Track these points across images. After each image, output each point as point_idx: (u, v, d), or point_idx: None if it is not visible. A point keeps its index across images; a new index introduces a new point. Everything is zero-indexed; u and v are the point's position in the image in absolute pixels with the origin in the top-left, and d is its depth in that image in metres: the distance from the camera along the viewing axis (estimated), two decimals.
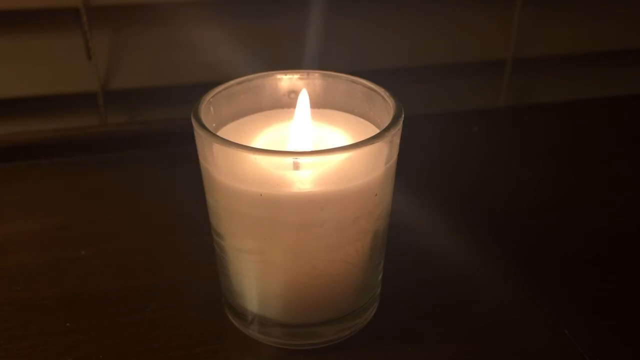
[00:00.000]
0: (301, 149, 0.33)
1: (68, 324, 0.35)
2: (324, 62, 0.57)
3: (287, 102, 0.36)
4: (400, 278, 0.38)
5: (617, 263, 0.41)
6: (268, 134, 0.34)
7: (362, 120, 0.35)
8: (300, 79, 0.36)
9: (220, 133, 0.33)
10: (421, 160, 0.51)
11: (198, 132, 0.30)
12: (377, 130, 0.32)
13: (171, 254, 0.40)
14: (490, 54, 0.62)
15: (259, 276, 0.32)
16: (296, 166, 0.29)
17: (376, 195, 0.31)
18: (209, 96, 0.33)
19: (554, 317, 0.36)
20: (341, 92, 0.36)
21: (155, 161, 0.51)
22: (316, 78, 0.36)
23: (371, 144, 0.29)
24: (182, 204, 0.45)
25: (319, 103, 0.36)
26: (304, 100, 0.34)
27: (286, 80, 0.36)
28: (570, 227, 0.45)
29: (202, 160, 0.31)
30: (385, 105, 0.33)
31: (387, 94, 0.33)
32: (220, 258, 0.34)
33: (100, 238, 0.42)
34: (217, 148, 0.29)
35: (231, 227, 0.32)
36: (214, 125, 0.33)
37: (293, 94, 0.35)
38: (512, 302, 0.37)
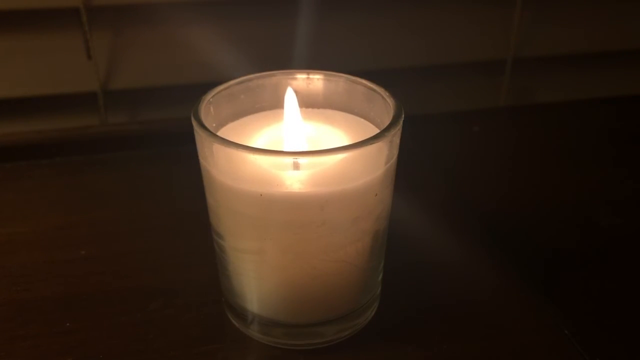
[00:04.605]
0: (301, 149, 0.33)
1: (68, 324, 0.35)
2: (324, 62, 0.57)
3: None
4: (401, 278, 0.38)
5: (616, 263, 0.41)
6: (268, 134, 0.34)
7: (362, 120, 0.35)
8: (300, 79, 0.36)
9: (220, 133, 0.33)
10: (421, 160, 0.51)
11: (198, 132, 0.30)
12: (377, 130, 0.32)
13: (171, 254, 0.40)
14: (490, 54, 0.62)
15: (259, 276, 0.32)
16: (296, 166, 0.29)
17: (376, 195, 0.31)
18: (209, 96, 0.33)
19: (554, 317, 0.36)
20: (341, 92, 0.36)
21: (155, 161, 0.51)
22: (316, 78, 0.36)
23: (371, 144, 0.29)
24: (182, 204, 0.45)
25: (319, 103, 0.36)
26: (291, 98, 0.34)
27: (286, 80, 0.35)
28: (571, 226, 0.45)
29: (202, 160, 0.31)
30: (385, 105, 0.33)
31: (387, 94, 0.33)
32: (220, 258, 0.34)
33: (100, 238, 0.42)
34: (217, 148, 0.29)
35: (231, 227, 0.32)
36: (214, 125, 0.33)
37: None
38: (512, 302, 0.37)
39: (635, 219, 0.46)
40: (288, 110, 0.33)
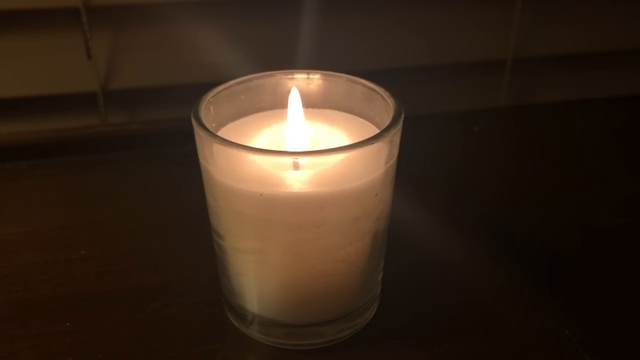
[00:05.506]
0: (301, 149, 0.33)
1: (68, 324, 0.35)
2: (323, 62, 0.57)
3: (287, 102, 0.36)
4: (401, 278, 0.38)
5: (616, 263, 0.41)
6: (268, 134, 0.34)
7: (361, 120, 0.35)
8: (300, 79, 0.36)
9: (220, 133, 0.33)
10: (421, 160, 0.51)
11: (198, 132, 0.30)
12: (377, 130, 0.32)
13: (171, 254, 0.40)
14: (490, 54, 0.62)
15: (258, 276, 0.32)
16: (296, 166, 0.29)
17: (376, 195, 0.31)
18: (209, 96, 0.33)
19: (554, 317, 0.36)
20: (341, 92, 0.36)
21: (155, 161, 0.51)
22: (316, 78, 0.36)
23: (371, 144, 0.29)
24: (182, 203, 0.45)
25: (319, 103, 0.36)
26: (295, 98, 0.34)
27: (286, 80, 0.36)
28: (571, 226, 0.45)
29: (202, 160, 0.31)
30: (385, 105, 0.33)
31: (387, 94, 0.33)
32: (220, 258, 0.34)
33: (100, 238, 0.42)
34: (217, 148, 0.29)
35: (231, 227, 0.32)
36: (214, 125, 0.33)
37: None
38: (512, 302, 0.37)
39: (635, 219, 0.46)
40: (292, 110, 0.33)
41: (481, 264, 0.40)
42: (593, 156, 0.54)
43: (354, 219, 0.31)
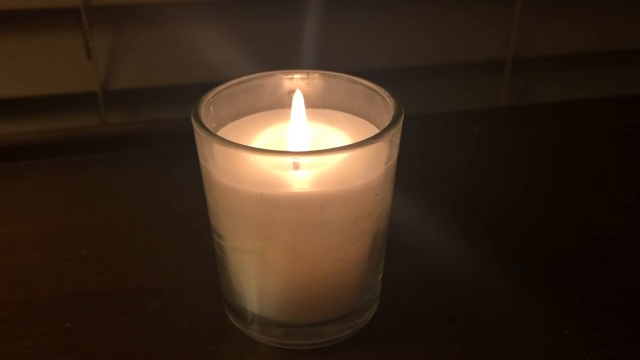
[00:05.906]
0: (301, 149, 0.33)
1: (68, 324, 0.35)
2: (324, 62, 0.57)
3: (287, 102, 0.36)
4: (401, 278, 0.38)
5: (616, 263, 0.41)
6: (268, 134, 0.34)
7: (362, 120, 0.35)
8: (300, 79, 0.36)
9: (220, 133, 0.33)
10: (421, 160, 0.51)
11: (198, 132, 0.30)
12: (377, 130, 0.32)
13: (171, 254, 0.40)
14: (490, 54, 0.62)
15: (258, 276, 0.32)
16: (296, 166, 0.29)
17: (376, 195, 0.31)
18: (209, 96, 0.33)
19: (554, 317, 0.36)
20: (341, 92, 0.36)
21: (155, 161, 0.51)
22: (316, 78, 0.36)
23: (371, 144, 0.29)
24: (181, 204, 0.45)
25: (319, 103, 0.36)
26: (298, 100, 0.34)
27: (286, 80, 0.36)
28: (571, 227, 0.45)
29: (202, 160, 0.31)
30: (385, 105, 0.33)
31: (387, 94, 0.33)
32: (220, 258, 0.34)
33: (100, 238, 0.42)
34: (217, 148, 0.29)
35: (231, 227, 0.32)
36: (214, 125, 0.33)
37: (293, 94, 0.35)
38: (512, 302, 0.37)
39: (636, 218, 0.46)
40: (295, 112, 0.33)
41: (480, 264, 0.40)
42: (593, 156, 0.54)
43: (354, 219, 0.31)
